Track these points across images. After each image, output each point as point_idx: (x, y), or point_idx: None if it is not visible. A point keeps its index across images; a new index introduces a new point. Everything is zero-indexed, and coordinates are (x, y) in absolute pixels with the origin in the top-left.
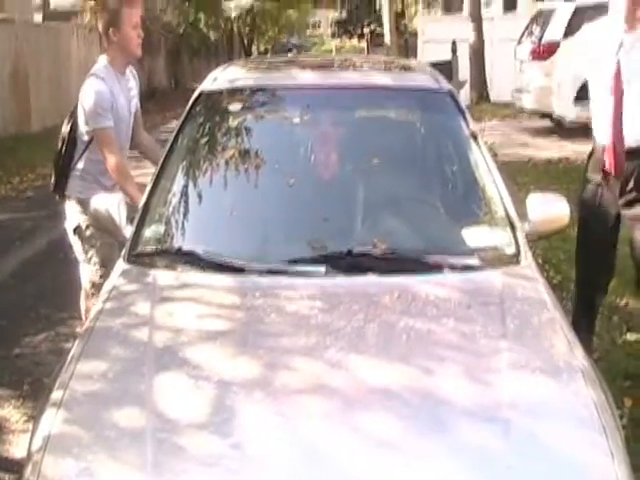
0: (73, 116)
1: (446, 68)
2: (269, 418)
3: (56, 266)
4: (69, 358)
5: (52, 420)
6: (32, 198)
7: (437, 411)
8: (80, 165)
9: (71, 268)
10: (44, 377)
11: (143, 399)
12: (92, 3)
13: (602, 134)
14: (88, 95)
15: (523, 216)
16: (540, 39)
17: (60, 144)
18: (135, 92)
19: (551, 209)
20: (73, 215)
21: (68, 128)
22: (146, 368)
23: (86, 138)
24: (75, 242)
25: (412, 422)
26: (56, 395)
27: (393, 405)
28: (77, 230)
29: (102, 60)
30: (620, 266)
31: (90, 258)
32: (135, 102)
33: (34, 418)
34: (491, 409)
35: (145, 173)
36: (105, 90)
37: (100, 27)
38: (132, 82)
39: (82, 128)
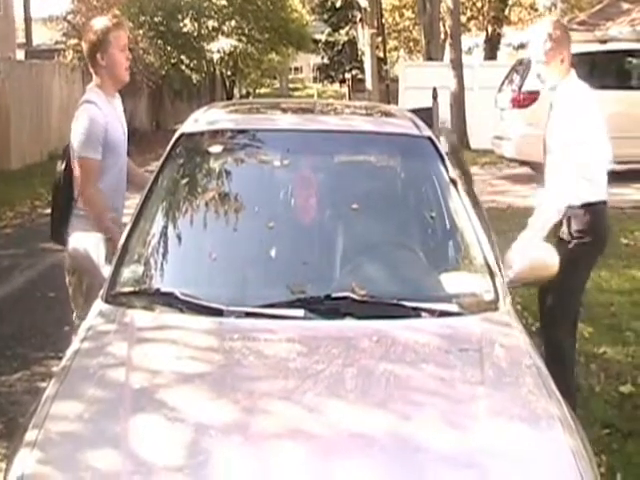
0: (67, 154)
1: (427, 115)
2: (245, 462)
3: (33, 305)
4: (44, 398)
5: (26, 460)
6: (10, 236)
7: (415, 457)
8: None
9: (48, 307)
10: (19, 416)
11: (118, 440)
12: (75, 42)
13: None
14: (81, 122)
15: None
16: (520, 87)
17: (55, 187)
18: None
19: (539, 256)
20: None
21: (63, 167)
22: (122, 409)
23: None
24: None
25: (390, 468)
26: (30, 435)
27: (371, 451)
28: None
29: (91, 87)
30: (597, 314)
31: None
32: (125, 126)
33: (7, 457)
34: (469, 456)
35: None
36: (99, 116)
37: (86, 51)
38: (119, 101)
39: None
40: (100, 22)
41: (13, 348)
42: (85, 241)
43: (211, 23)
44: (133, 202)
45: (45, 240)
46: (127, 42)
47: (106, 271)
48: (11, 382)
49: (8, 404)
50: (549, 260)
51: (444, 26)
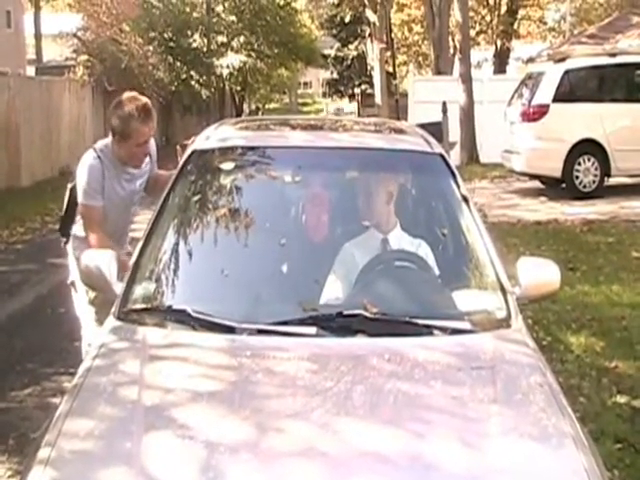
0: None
1: (436, 129)
2: None
3: (43, 320)
4: (57, 415)
5: (39, 478)
6: (21, 251)
7: (427, 476)
8: (76, 226)
9: (58, 322)
10: (30, 432)
11: (131, 458)
12: (85, 58)
13: None
14: (81, 169)
15: (512, 278)
16: (530, 101)
17: (65, 204)
18: (146, 169)
19: (542, 274)
20: (71, 269)
21: (69, 190)
22: (134, 427)
23: None
24: (73, 295)
25: None
26: (43, 453)
27: (382, 469)
28: (72, 284)
29: (107, 142)
30: (609, 328)
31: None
32: (142, 181)
33: (20, 474)
34: (481, 474)
35: None
36: (98, 168)
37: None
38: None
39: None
40: (128, 108)
41: (23, 363)
42: (97, 258)
43: (220, 39)
44: (145, 217)
45: (55, 256)
46: (150, 136)
47: (118, 288)
48: (21, 397)
49: (19, 419)
50: (553, 276)
51: (453, 40)
